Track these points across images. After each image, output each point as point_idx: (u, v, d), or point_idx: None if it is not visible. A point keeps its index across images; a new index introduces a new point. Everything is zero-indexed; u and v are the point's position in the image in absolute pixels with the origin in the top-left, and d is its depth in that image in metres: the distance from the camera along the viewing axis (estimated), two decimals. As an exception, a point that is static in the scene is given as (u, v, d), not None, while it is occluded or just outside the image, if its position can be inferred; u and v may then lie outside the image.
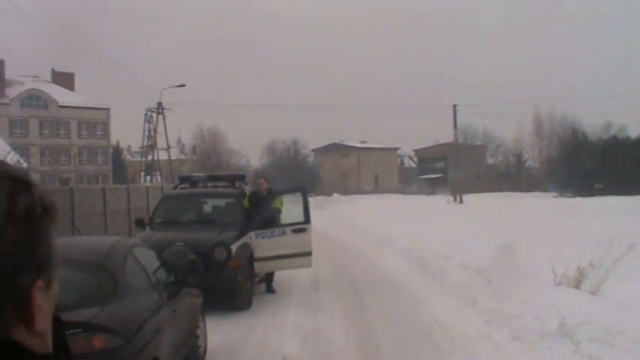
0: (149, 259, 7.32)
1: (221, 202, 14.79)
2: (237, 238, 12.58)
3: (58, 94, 79.54)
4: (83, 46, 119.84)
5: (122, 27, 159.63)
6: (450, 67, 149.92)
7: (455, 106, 64.69)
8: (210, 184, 15.69)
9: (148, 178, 62.36)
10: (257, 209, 13.63)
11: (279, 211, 14.11)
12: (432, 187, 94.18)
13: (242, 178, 16.41)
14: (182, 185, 15.83)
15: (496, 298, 11.37)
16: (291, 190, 15.03)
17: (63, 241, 5.45)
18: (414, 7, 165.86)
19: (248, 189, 15.42)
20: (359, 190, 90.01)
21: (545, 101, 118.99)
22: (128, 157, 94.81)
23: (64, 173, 64.82)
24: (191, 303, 8.02)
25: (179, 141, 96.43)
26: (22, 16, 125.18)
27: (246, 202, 14.05)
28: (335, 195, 69.08)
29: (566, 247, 14.50)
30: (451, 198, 63.84)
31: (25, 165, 47.96)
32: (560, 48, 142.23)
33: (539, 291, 11.45)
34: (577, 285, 11.81)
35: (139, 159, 76.70)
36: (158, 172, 62.72)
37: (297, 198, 14.17)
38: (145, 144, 63.12)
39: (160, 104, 58.85)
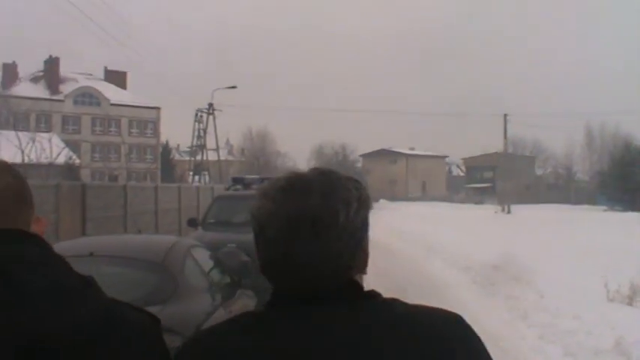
0: (206, 260, 7.35)
1: None
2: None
3: (110, 92, 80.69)
4: (137, 45, 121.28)
5: (173, 28, 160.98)
6: (501, 76, 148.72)
7: (505, 115, 64.25)
8: None
9: (197, 177, 62.69)
10: None
11: None
12: (480, 197, 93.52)
13: None
14: (235, 186, 15.88)
15: (548, 313, 11.20)
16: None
17: (123, 239, 5.46)
18: (467, 18, 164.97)
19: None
20: (406, 197, 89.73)
21: (595, 114, 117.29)
22: (176, 157, 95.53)
23: (115, 170, 65.60)
24: (246, 305, 8.02)
25: (227, 142, 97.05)
26: (78, 14, 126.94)
27: None
28: (382, 201, 68.95)
29: (618, 262, 14.30)
30: (499, 208, 63.29)
31: (77, 160, 48.57)
32: (611, 61, 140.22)
33: (591, 307, 11.27)
34: (630, 302, 11.64)
35: (187, 158, 77.21)
36: (206, 172, 63.05)
37: None
38: (195, 144, 63.47)
39: (211, 105, 59.21)
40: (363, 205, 1.51)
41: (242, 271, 8.65)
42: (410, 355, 1.37)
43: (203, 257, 7.31)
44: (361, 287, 1.49)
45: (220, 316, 6.49)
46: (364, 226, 1.52)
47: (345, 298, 1.44)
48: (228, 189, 16.29)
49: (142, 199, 18.42)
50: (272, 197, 1.49)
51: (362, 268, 1.53)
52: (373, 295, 1.48)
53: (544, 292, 12.81)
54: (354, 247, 1.47)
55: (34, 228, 1.68)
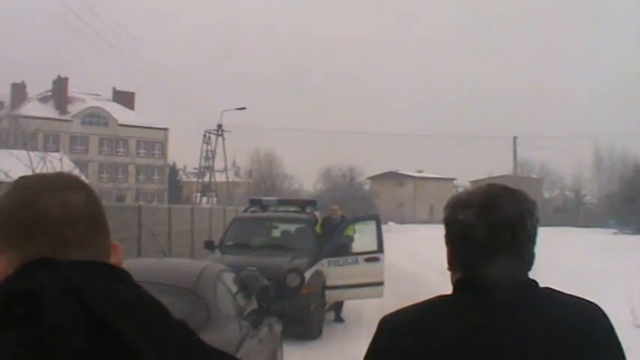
0: (235, 286, 7.12)
1: (293, 228, 14.58)
2: (310, 265, 12.36)
3: (118, 112, 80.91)
4: (145, 66, 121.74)
5: (182, 50, 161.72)
6: (507, 98, 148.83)
7: (515, 138, 64.12)
8: (281, 209, 15.53)
9: (204, 199, 62.54)
10: (329, 236, 13.41)
11: (351, 239, 13.86)
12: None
13: (313, 203, 16.24)
14: (252, 208, 15.67)
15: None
16: (364, 219, 14.84)
17: (150, 263, 5.15)
18: (472, 39, 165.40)
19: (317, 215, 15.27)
20: (414, 220, 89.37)
21: (604, 136, 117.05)
22: (183, 178, 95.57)
23: (123, 191, 65.56)
24: (273, 332, 7.79)
25: (234, 163, 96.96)
26: (88, 34, 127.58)
27: (318, 228, 13.86)
28: (391, 223, 68.61)
29: (636, 286, 14.04)
30: (508, 231, 62.95)
31: (86, 181, 48.36)
32: (619, 82, 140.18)
33: (620, 333, 11.00)
34: (657, 328, 11.40)
35: (194, 180, 77.15)
36: (214, 194, 62.88)
37: (370, 226, 13.92)
38: (202, 165, 63.37)
39: (219, 126, 59.07)
40: (537, 214, 1.93)
41: (263, 296, 8.42)
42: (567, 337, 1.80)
43: (232, 283, 7.07)
44: (528, 279, 1.92)
45: (251, 345, 6.23)
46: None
47: (522, 287, 1.87)
48: (245, 211, 16.09)
49: (156, 221, 18.17)
50: (482, 210, 1.88)
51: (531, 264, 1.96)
52: (535, 284, 1.91)
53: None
54: (533, 248, 1.94)
55: (113, 259, 1.42)
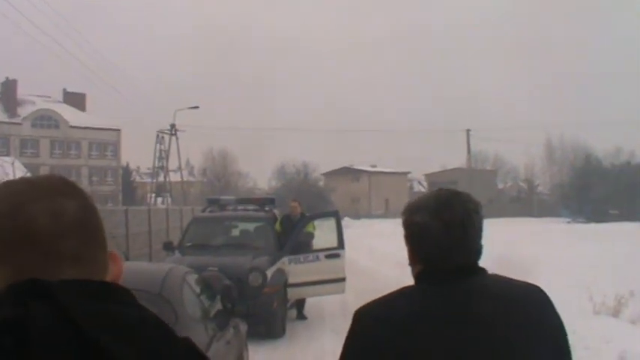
0: (199, 287, 7.02)
1: (252, 226, 14.50)
2: (272, 263, 12.30)
3: (69, 114, 79.77)
4: (95, 66, 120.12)
5: (132, 47, 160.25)
6: (459, 91, 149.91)
7: (468, 130, 64.66)
8: (239, 207, 15.43)
9: (159, 199, 62.01)
10: (289, 233, 13.35)
11: (312, 235, 13.82)
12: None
13: (272, 201, 16.16)
14: (210, 208, 15.55)
15: (538, 328, 11.01)
16: (324, 215, 14.83)
17: None
18: (424, 33, 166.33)
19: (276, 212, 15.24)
20: (370, 215, 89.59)
21: (554, 127, 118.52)
22: (137, 179, 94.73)
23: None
24: (239, 332, 7.72)
25: (188, 162, 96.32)
26: (34, 35, 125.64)
27: (278, 226, 13.80)
28: (347, 219, 68.72)
29: (592, 274, 14.22)
30: (464, 223, 63.47)
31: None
32: (569, 72, 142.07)
33: (580, 320, 11.11)
34: (616, 314, 11.53)
35: (148, 180, 76.51)
36: (168, 194, 62.37)
37: (329, 223, 13.92)
38: (156, 165, 62.80)
39: (173, 125, 58.51)
40: (482, 212, 2.27)
41: (227, 296, 8.34)
42: (514, 316, 2.13)
43: (195, 284, 6.97)
44: (478, 268, 2.23)
45: (219, 347, 6.16)
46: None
47: (473, 274, 2.19)
48: (203, 210, 15.94)
49: (113, 223, 17.93)
50: (436, 213, 2.20)
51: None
52: (484, 271, 2.23)
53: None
54: (480, 242, 2.25)
55: (112, 271, 1.25)
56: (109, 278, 1.23)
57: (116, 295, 1.16)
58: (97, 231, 1.24)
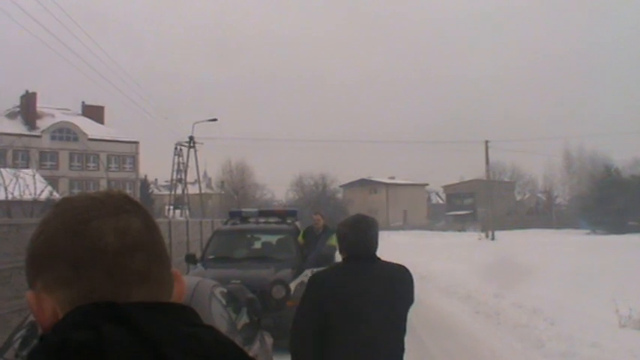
0: (226, 300, 7.00)
1: (275, 239, 14.46)
2: (295, 276, 12.24)
3: (88, 126, 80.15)
4: (113, 79, 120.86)
5: (151, 61, 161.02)
6: (477, 103, 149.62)
7: (487, 142, 64.37)
8: (261, 220, 15.40)
9: (177, 212, 62.05)
10: (312, 246, 13.29)
11: (334, 248, 13.72)
12: (461, 224, 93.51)
13: (294, 213, 16.12)
14: (233, 220, 15.53)
15: (563, 341, 10.90)
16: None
17: None
18: (442, 45, 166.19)
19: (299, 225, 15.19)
20: (388, 226, 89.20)
21: (573, 137, 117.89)
22: (155, 191, 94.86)
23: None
24: (265, 345, 7.69)
25: (205, 175, 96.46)
26: (53, 48, 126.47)
27: (300, 238, 13.74)
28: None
29: (619, 286, 14.10)
30: (482, 234, 63.23)
31: (58, 197, 47.79)
32: (586, 83, 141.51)
33: (606, 333, 11.03)
34: (642, 327, 11.43)
35: (166, 192, 76.62)
36: (187, 206, 62.34)
37: None
38: (174, 177, 62.84)
39: (191, 138, 58.54)
40: (377, 229, 4.43)
41: (253, 309, 8.32)
42: (392, 286, 4.20)
43: (223, 297, 6.95)
44: (374, 254, 4.29)
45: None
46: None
47: (373, 258, 4.25)
48: (225, 223, 15.90)
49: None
50: (352, 226, 4.29)
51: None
52: (377, 257, 4.30)
53: (553, 320, 12.54)
54: (377, 242, 4.35)
55: (176, 291, 1.22)
56: (173, 298, 1.21)
57: (187, 316, 1.14)
58: (161, 249, 1.22)
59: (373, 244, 4.26)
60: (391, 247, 43.34)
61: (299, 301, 4.22)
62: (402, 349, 4.23)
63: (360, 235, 4.22)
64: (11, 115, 75.96)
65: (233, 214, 16.05)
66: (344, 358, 4.06)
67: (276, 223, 15.09)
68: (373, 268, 4.20)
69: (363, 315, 4.02)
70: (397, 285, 4.20)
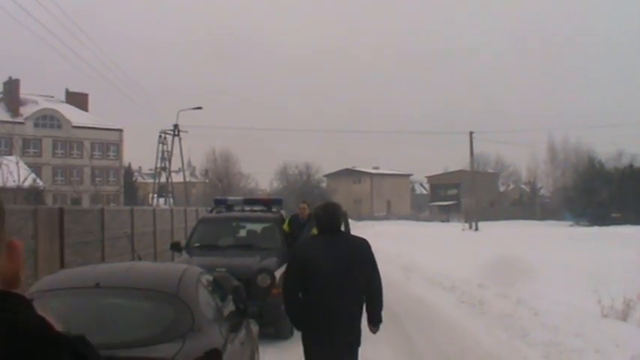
0: (213, 288, 6.96)
1: (260, 227, 14.45)
2: (280, 264, 12.19)
3: (72, 114, 79.80)
4: (97, 66, 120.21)
5: (135, 48, 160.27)
6: (462, 94, 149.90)
7: (471, 133, 64.46)
8: (247, 208, 15.38)
9: (161, 200, 61.85)
10: (298, 234, 13.27)
11: None
12: (445, 214, 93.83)
13: (279, 202, 16.10)
14: (218, 208, 15.50)
15: (547, 330, 10.96)
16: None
17: (129, 267, 4.96)
18: (427, 36, 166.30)
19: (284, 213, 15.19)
20: (372, 216, 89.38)
21: (557, 129, 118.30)
22: (139, 179, 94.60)
23: (78, 193, 64.66)
24: (251, 333, 7.67)
25: (189, 163, 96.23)
26: (38, 34, 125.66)
27: (286, 227, 13.73)
28: (349, 220, 68.60)
29: (600, 276, 14.15)
30: (466, 225, 63.41)
31: (41, 184, 47.67)
32: (570, 75, 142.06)
33: (589, 323, 11.07)
34: (624, 317, 11.48)
35: (150, 181, 76.40)
36: (171, 195, 62.10)
37: None
38: (159, 165, 62.51)
39: (176, 126, 58.27)
40: (343, 213, 7.53)
41: (239, 297, 8.28)
42: (351, 250, 6.32)
43: (211, 285, 6.91)
44: (339, 229, 6.60)
45: (234, 348, 6.11)
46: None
47: (338, 231, 6.48)
48: (210, 211, 15.86)
49: (119, 223, 17.83)
50: (323, 209, 6.57)
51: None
52: (341, 230, 6.71)
53: (537, 310, 12.59)
54: (342, 220, 6.79)
55: (7, 264, 1.07)
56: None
57: (10, 302, 1.01)
58: None
59: (338, 222, 6.47)
60: (375, 237, 43.53)
61: (287, 263, 6.59)
62: (362, 299, 6.31)
63: (328, 215, 6.39)
64: (-6, 102, 75.49)
65: (218, 202, 16.00)
66: (317, 301, 6.08)
67: (261, 211, 15.08)
68: (338, 239, 6.36)
69: (330, 269, 6.03)
70: (356, 250, 6.27)
